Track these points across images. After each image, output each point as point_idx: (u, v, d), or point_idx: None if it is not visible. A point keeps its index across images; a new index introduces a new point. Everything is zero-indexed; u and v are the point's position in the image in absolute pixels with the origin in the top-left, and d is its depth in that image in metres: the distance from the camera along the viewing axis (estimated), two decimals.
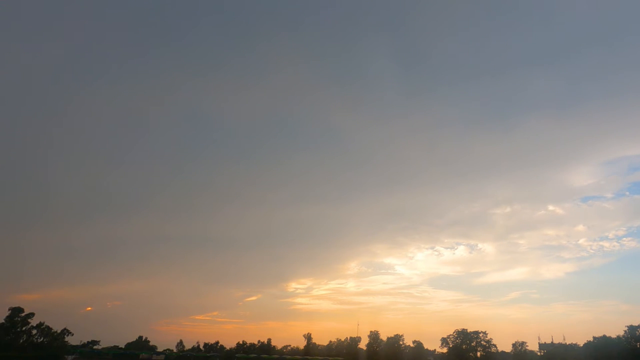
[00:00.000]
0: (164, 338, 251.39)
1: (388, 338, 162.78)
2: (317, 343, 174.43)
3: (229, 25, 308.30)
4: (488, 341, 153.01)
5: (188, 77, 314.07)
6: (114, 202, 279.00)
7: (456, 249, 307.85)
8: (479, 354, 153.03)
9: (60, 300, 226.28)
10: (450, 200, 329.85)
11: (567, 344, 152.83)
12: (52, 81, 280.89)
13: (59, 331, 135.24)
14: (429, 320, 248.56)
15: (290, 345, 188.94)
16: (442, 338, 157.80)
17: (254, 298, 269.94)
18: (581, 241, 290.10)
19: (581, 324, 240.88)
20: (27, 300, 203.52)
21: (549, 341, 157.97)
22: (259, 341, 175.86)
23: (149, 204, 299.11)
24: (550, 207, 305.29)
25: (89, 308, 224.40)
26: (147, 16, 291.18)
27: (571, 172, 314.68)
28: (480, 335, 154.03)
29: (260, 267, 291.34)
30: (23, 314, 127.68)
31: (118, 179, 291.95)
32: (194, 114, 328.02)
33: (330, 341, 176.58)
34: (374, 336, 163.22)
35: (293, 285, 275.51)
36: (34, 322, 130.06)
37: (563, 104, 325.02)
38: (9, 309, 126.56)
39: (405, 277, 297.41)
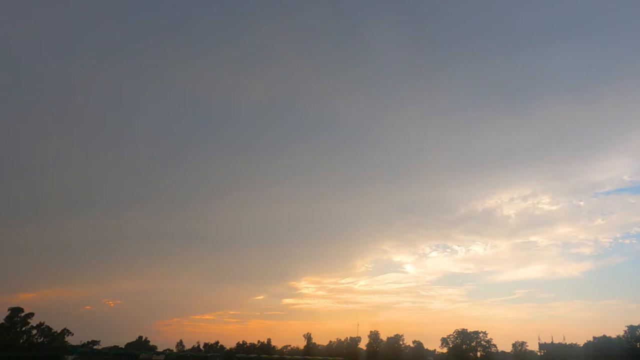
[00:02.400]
0: (164, 338, 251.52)
1: (388, 338, 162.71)
2: (317, 343, 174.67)
3: (227, 11, 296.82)
4: (488, 341, 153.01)
5: (186, 66, 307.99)
6: (114, 198, 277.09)
7: (468, 246, 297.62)
8: (478, 354, 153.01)
9: (60, 299, 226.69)
10: (462, 195, 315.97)
11: (567, 344, 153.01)
12: (48, 73, 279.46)
13: (59, 331, 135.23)
14: (434, 320, 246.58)
15: (290, 345, 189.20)
16: (442, 338, 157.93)
17: (259, 297, 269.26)
18: (601, 237, 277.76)
19: (587, 324, 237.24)
20: (26, 299, 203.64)
21: (549, 341, 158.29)
22: (259, 341, 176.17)
23: (149, 199, 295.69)
24: (570, 202, 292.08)
25: (88, 307, 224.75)
26: (142, 3, 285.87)
27: (596, 163, 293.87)
28: (480, 335, 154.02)
29: (264, 265, 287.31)
30: (23, 314, 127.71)
31: (117, 173, 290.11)
32: (193, 105, 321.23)
33: (330, 341, 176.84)
34: (374, 336, 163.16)
35: (298, 284, 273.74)
36: (33, 322, 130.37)
37: (590, 85, 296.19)
38: (8, 309, 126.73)
39: (414, 276, 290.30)
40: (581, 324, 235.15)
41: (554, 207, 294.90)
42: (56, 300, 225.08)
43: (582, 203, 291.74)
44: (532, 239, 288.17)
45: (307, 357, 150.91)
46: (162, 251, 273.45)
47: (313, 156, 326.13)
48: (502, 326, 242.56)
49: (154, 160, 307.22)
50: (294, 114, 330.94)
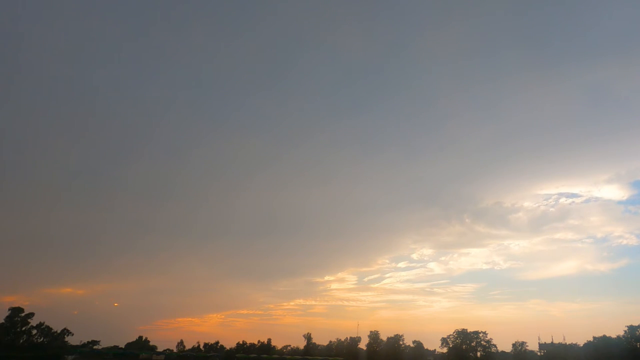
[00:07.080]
0: (164, 338, 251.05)
1: (388, 338, 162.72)
2: (317, 343, 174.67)
3: None
4: (488, 341, 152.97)
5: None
6: (116, 194, 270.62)
7: (492, 241, 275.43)
8: (478, 354, 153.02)
9: (60, 299, 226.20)
10: (488, 183, 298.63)
11: (567, 344, 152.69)
12: (62, 70, 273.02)
13: (59, 331, 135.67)
14: (440, 319, 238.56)
15: (290, 345, 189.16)
16: (442, 338, 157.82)
17: (263, 297, 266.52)
18: None
19: (589, 323, 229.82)
20: (26, 298, 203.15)
21: (549, 341, 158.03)
22: (259, 341, 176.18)
23: (155, 195, 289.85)
24: (608, 190, 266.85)
25: (88, 307, 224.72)
26: None
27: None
28: (480, 335, 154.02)
29: (268, 263, 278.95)
30: (23, 314, 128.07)
31: (122, 167, 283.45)
32: (210, 83, 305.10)
33: (330, 341, 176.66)
34: (374, 336, 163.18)
35: (306, 282, 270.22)
36: (33, 322, 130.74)
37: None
38: (8, 309, 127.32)
39: (429, 274, 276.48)
40: (584, 324, 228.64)
41: (592, 196, 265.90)
42: (56, 300, 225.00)
43: (623, 192, 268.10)
44: (563, 234, 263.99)
45: (307, 357, 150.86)
46: (166, 250, 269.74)
47: (326, 146, 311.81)
48: (508, 325, 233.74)
49: (163, 154, 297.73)
50: (305, 101, 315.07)
